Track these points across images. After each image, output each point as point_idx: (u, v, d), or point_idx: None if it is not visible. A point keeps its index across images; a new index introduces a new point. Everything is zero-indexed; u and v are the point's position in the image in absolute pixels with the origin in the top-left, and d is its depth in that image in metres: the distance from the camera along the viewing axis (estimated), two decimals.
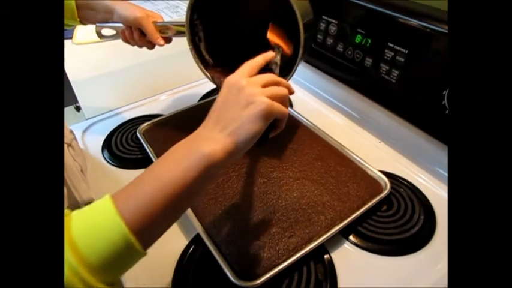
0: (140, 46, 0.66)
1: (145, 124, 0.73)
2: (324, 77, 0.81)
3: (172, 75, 0.95)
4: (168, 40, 0.65)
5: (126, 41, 0.66)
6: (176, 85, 0.92)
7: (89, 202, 0.57)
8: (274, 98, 0.38)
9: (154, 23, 0.63)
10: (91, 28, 0.68)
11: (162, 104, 0.87)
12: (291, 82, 0.57)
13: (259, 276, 0.47)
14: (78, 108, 0.91)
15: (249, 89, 0.38)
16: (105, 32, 0.68)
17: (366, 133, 0.75)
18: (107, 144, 0.73)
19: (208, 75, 0.66)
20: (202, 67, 0.66)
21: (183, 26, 0.62)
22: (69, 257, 0.29)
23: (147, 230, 0.33)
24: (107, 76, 0.96)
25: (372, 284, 0.50)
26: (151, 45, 0.65)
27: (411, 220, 0.57)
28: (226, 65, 0.66)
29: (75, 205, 0.59)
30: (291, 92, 0.45)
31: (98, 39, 1.01)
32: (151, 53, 1.05)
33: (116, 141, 0.73)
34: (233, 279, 0.47)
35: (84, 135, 0.77)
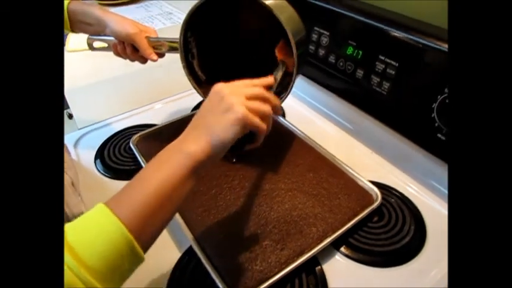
0: (132, 60, 0.66)
1: (138, 135, 0.73)
2: (316, 87, 0.82)
3: (166, 84, 0.95)
4: (161, 55, 0.65)
5: (117, 54, 0.66)
6: (169, 94, 0.92)
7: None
8: (254, 111, 0.40)
9: (148, 38, 0.63)
10: (84, 36, 0.68)
11: (155, 113, 0.87)
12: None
13: None
14: (70, 116, 0.91)
15: (229, 97, 0.39)
16: (97, 44, 0.68)
17: (358, 143, 0.76)
18: (99, 155, 0.73)
19: (201, 92, 0.66)
20: (194, 84, 0.66)
21: (176, 42, 0.62)
22: (69, 260, 0.29)
23: (143, 230, 0.34)
24: (100, 84, 0.96)
25: None
26: (143, 60, 0.65)
27: (402, 231, 0.58)
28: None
29: (66, 219, 0.59)
30: (277, 113, 0.46)
31: (85, 47, 1.00)
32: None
33: (109, 152, 0.73)
34: None
35: (77, 145, 0.77)
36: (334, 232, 0.54)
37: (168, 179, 0.36)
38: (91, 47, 0.68)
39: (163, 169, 0.37)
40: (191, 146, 0.38)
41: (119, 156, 0.72)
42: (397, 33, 0.61)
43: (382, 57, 0.64)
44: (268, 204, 0.59)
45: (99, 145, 0.76)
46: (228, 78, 0.50)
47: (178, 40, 0.61)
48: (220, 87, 0.41)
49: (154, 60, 0.64)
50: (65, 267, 0.28)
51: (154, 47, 0.64)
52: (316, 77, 0.80)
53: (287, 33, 0.52)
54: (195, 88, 0.66)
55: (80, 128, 0.81)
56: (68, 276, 0.28)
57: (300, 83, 0.87)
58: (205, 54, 0.65)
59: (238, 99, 0.39)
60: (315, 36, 0.75)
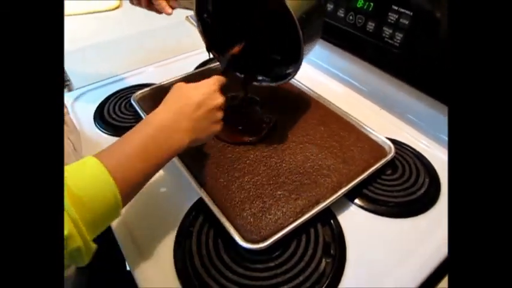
0: (148, 10, 0.63)
1: (140, 92, 0.70)
2: (322, 45, 0.79)
3: (167, 46, 0.92)
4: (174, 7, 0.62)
5: (133, 4, 0.63)
6: (170, 55, 0.88)
7: None
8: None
9: None
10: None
11: (153, 74, 0.83)
12: None
13: (266, 238, 0.45)
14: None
15: (219, 113, 0.48)
16: None
17: (366, 101, 0.74)
18: (99, 113, 0.70)
19: (212, 52, 0.63)
20: (207, 43, 0.63)
21: (191, 1, 0.58)
22: (72, 213, 0.31)
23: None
24: (97, 47, 0.92)
25: (381, 246, 0.49)
26: (158, 11, 0.62)
27: (416, 183, 0.56)
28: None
29: None
30: None
31: (88, 10, 0.97)
32: (145, 25, 1.01)
33: (108, 110, 0.70)
34: (240, 242, 0.45)
35: (75, 104, 0.73)
36: (349, 182, 0.53)
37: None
38: None
39: (161, 155, 0.41)
40: (183, 139, 0.43)
41: (119, 113, 0.69)
42: None
43: (395, 7, 0.61)
44: (279, 156, 0.57)
45: (97, 104, 0.72)
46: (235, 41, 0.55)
47: None
48: (217, 96, 0.47)
49: (169, 14, 0.61)
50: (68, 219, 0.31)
51: (168, 1, 0.60)
52: (324, 34, 0.77)
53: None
54: (207, 48, 0.63)
55: (77, 88, 0.77)
56: (70, 227, 0.31)
57: None
58: (219, 14, 0.62)
59: (221, 114, 0.48)
60: None
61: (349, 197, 0.54)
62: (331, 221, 0.51)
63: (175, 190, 0.56)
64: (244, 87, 0.65)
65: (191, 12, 1.03)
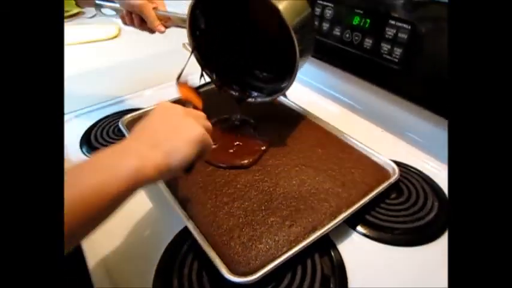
0: (142, 30, 0.62)
1: (129, 116, 0.67)
2: (318, 65, 0.77)
3: (163, 72, 0.90)
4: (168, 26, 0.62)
5: (126, 24, 0.63)
6: (165, 81, 0.86)
7: None
8: (207, 129, 0.41)
9: (155, 10, 0.59)
10: (78, 29, 0.65)
11: (143, 99, 0.81)
12: None
13: (256, 271, 0.40)
14: None
15: (189, 118, 0.40)
16: (105, 10, 0.66)
17: (367, 122, 0.70)
18: (86, 138, 0.67)
19: (206, 70, 0.63)
20: (200, 61, 0.62)
21: (184, 18, 0.58)
22: None
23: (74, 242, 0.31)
24: (91, 73, 0.91)
25: (387, 278, 0.43)
26: (151, 31, 0.62)
27: (424, 207, 0.51)
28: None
29: None
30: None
31: (82, 40, 0.98)
32: (142, 52, 1.00)
33: (96, 135, 0.67)
34: (226, 274, 0.40)
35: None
36: (349, 207, 0.48)
37: (101, 194, 0.31)
38: (99, 11, 0.66)
39: (104, 176, 0.32)
40: (136, 161, 0.33)
41: (107, 138, 0.66)
42: None
43: (393, 22, 0.59)
44: (272, 180, 0.52)
45: (85, 129, 0.69)
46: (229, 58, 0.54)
47: (186, 16, 0.57)
48: (173, 105, 0.41)
49: (162, 32, 0.60)
50: None
51: (161, 20, 0.60)
52: (319, 54, 0.75)
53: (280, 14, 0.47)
54: (200, 65, 0.62)
55: (67, 113, 0.74)
56: None
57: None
58: (212, 32, 0.61)
59: (194, 119, 0.40)
60: (318, 10, 0.70)
61: (350, 223, 0.49)
62: (331, 251, 0.46)
63: (158, 215, 0.52)
64: (239, 104, 0.62)
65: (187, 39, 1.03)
